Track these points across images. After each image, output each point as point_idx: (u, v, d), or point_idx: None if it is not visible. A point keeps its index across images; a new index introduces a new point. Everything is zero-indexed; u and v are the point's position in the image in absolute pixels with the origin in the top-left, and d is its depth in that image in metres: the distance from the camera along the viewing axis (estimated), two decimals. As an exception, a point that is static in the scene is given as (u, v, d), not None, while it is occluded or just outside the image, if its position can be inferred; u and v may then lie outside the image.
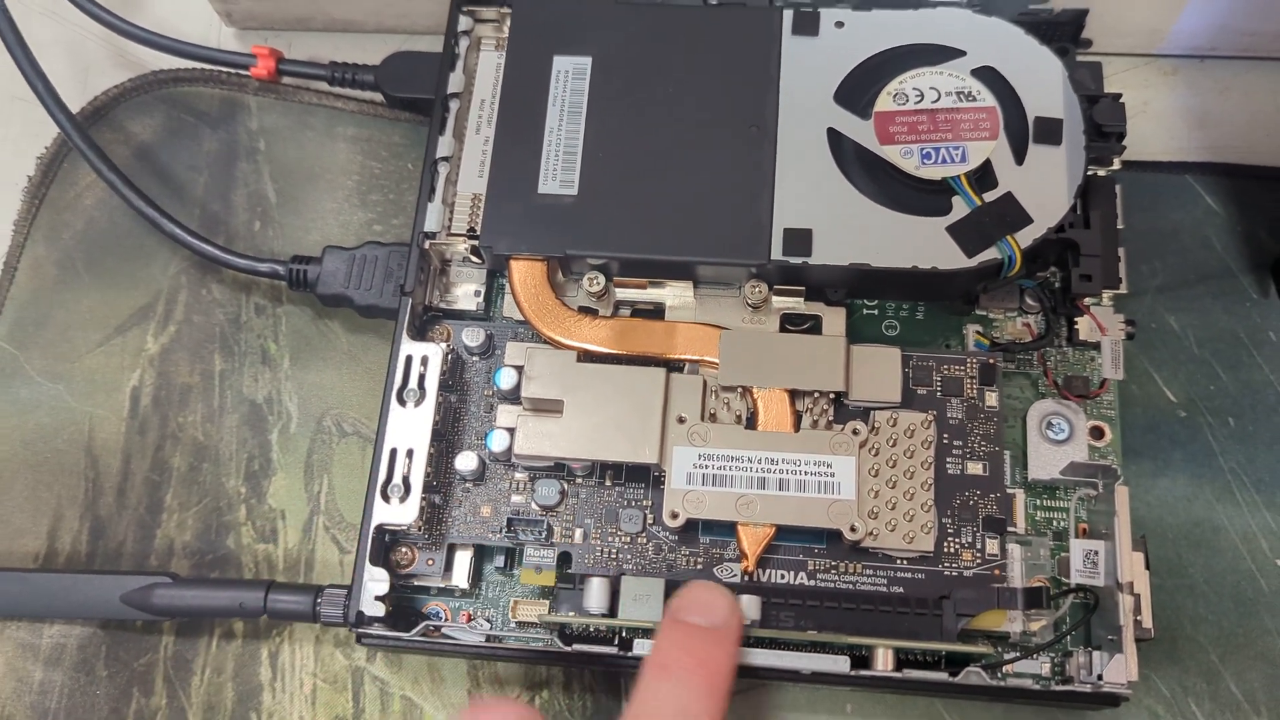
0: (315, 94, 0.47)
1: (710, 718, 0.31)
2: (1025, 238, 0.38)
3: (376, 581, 0.36)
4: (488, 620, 0.38)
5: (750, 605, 0.36)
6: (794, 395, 0.38)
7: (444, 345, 0.39)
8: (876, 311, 0.41)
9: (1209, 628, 0.38)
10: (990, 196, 0.39)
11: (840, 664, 0.35)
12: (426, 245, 0.40)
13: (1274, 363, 0.41)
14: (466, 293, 0.41)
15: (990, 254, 0.38)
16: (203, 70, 0.47)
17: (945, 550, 0.37)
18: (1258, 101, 0.45)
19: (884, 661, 0.35)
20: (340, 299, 0.42)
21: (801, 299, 0.40)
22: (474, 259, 0.41)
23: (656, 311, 0.40)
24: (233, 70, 0.47)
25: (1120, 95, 0.41)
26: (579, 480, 0.39)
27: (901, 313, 0.41)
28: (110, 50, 0.49)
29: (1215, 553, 0.39)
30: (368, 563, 0.36)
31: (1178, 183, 0.44)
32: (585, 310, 0.40)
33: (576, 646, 0.36)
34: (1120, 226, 0.41)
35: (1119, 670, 0.34)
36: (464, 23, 0.43)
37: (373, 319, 0.42)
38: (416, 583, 0.38)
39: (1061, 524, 0.38)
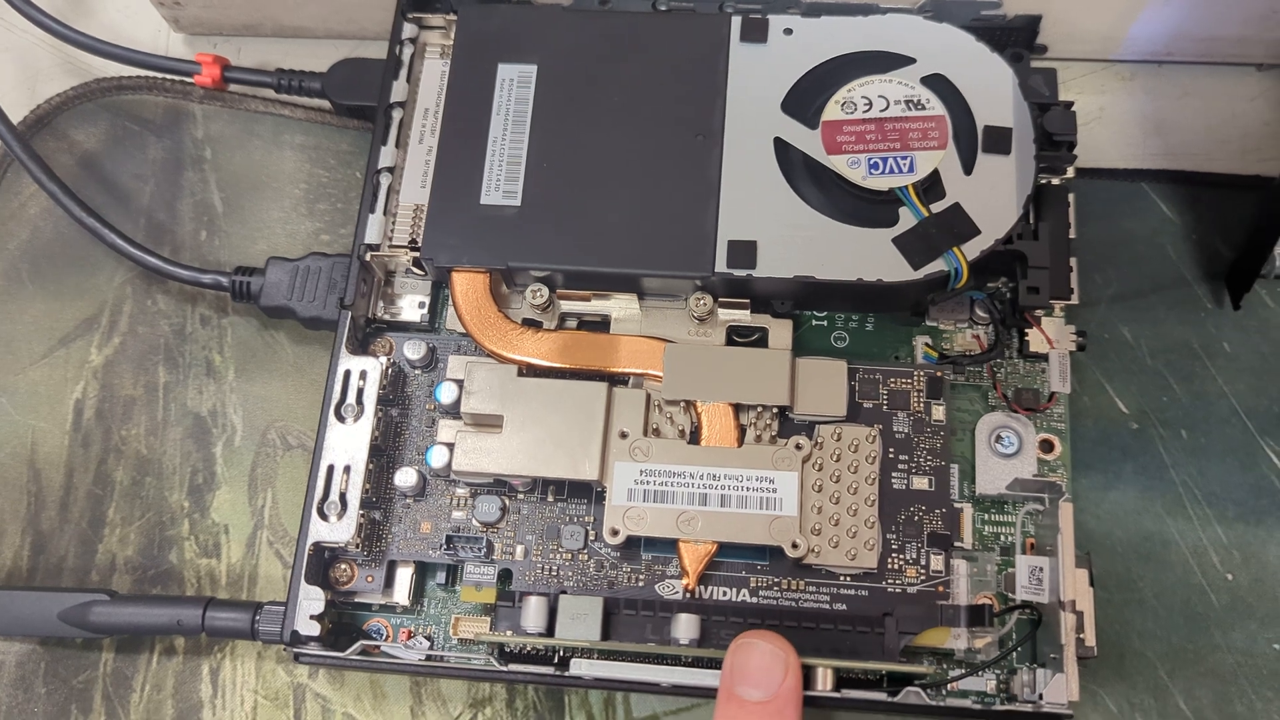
0: (262, 101, 0.46)
1: None
2: (972, 250, 0.37)
3: (311, 600, 0.36)
4: (428, 638, 0.38)
5: (690, 624, 0.36)
6: (738, 409, 0.38)
7: (385, 359, 0.39)
8: (826, 323, 0.41)
9: (1158, 643, 0.38)
10: (938, 207, 0.38)
11: (778, 684, 0.35)
12: (368, 257, 0.40)
13: (1228, 374, 0.41)
14: (411, 305, 0.41)
15: (937, 266, 0.37)
16: (147, 78, 0.46)
17: (889, 567, 0.37)
18: (1215, 107, 0.45)
19: (823, 681, 0.35)
20: (284, 310, 0.41)
21: (748, 311, 0.39)
22: (416, 271, 0.40)
23: (602, 324, 0.40)
24: (178, 78, 0.46)
25: (1072, 104, 0.40)
26: (520, 496, 0.38)
27: (850, 324, 0.41)
28: (59, 57, 0.48)
29: (1165, 567, 0.39)
30: (303, 581, 0.36)
31: (1133, 190, 0.44)
32: (529, 323, 0.40)
33: (513, 666, 0.36)
34: (1073, 236, 0.40)
35: (1059, 690, 0.34)
36: (409, 30, 0.43)
37: (317, 330, 0.41)
38: (357, 599, 0.38)
39: (1009, 539, 0.38)
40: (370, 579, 0.38)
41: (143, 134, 0.46)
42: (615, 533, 0.36)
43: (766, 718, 0.32)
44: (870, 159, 0.38)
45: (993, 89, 0.40)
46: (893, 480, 0.37)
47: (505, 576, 0.37)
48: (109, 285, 0.44)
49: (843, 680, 0.35)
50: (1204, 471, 0.40)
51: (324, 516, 0.37)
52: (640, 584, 0.37)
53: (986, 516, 0.38)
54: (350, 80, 0.44)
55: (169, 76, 0.46)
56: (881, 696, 0.35)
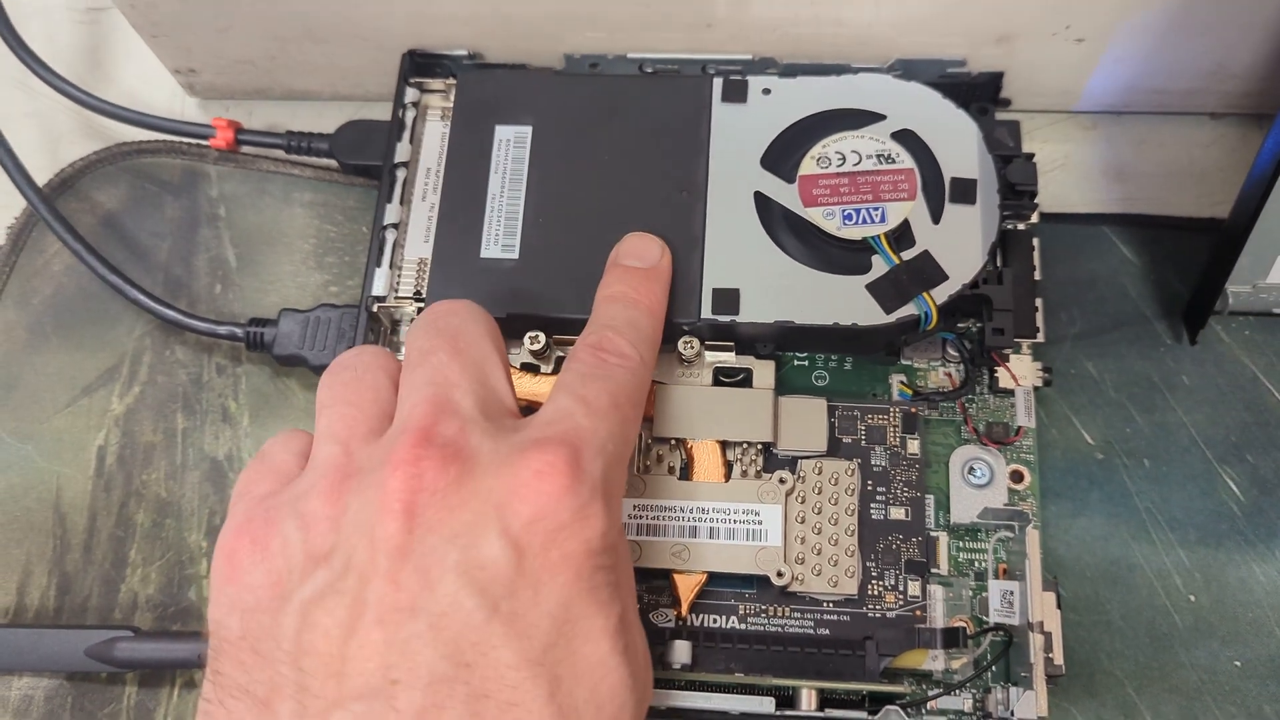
0: (273, 161, 0.49)
1: (652, 331, 0.37)
2: (941, 294, 0.40)
3: (326, 633, 0.38)
4: (435, 667, 0.40)
5: (681, 650, 0.38)
6: (725, 446, 0.40)
7: (392, 404, 0.41)
8: (807, 363, 0.43)
9: (1125, 662, 0.40)
10: (908, 255, 0.41)
11: (766, 705, 0.37)
12: (375, 308, 0.42)
13: (1187, 405, 0.43)
14: (416, 352, 0.43)
15: (908, 310, 0.40)
16: (165, 141, 0.49)
17: (869, 593, 0.39)
18: (1171, 154, 0.47)
19: (808, 702, 0.37)
20: (296, 359, 0.44)
21: (733, 353, 0.42)
22: (421, 321, 0.43)
23: (596, 367, 0.42)
24: (193, 141, 0.49)
25: (1033, 155, 0.43)
26: (521, 531, 0.40)
27: (830, 364, 0.43)
28: (79, 121, 0.51)
29: (1131, 590, 0.41)
30: (318, 615, 0.38)
31: (1095, 233, 0.46)
32: (527, 367, 0.42)
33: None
34: (1038, 277, 0.43)
35: (1029, 706, 0.36)
36: (411, 94, 0.46)
37: (328, 378, 0.44)
38: (368, 632, 0.40)
39: (983, 565, 0.40)
40: (380, 612, 0.40)
41: (160, 194, 0.49)
42: (611, 565, 0.38)
43: (644, 277, 0.39)
44: (844, 210, 0.41)
45: (958, 142, 0.42)
46: (871, 511, 0.40)
47: (508, 608, 0.39)
48: (129, 337, 0.47)
49: (826, 700, 0.37)
50: (1166, 498, 0.42)
51: (336, 553, 0.39)
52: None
53: (961, 544, 0.40)
54: (356, 141, 0.47)
55: (185, 140, 0.49)
56: (863, 715, 0.37)
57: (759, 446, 0.40)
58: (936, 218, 0.41)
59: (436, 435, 0.29)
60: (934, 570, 0.40)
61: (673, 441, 0.40)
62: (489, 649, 0.27)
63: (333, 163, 0.48)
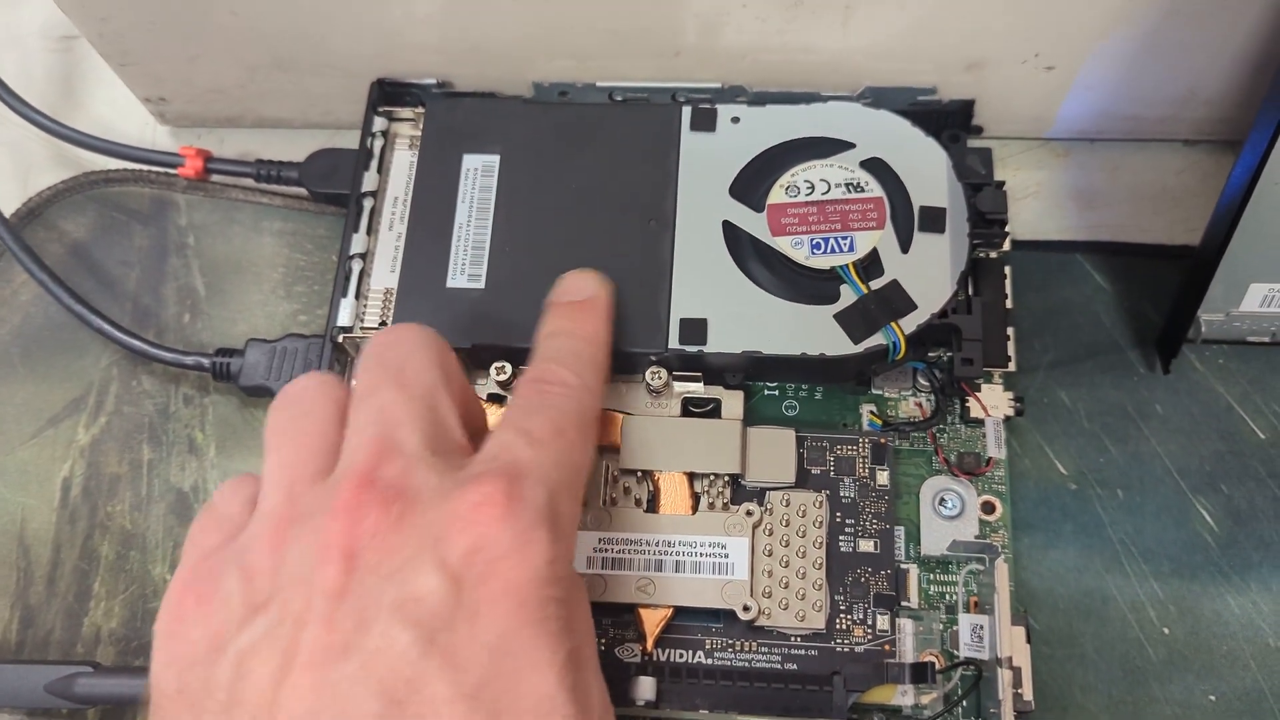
0: (242, 190, 0.49)
1: (593, 356, 0.37)
2: (909, 324, 0.40)
3: (285, 670, 0.37)
4: (399, 703, 0.39)
5: (646, 686, 0.37)
6: (692, 478, 0.40)
7: (357, 435, 0.41)
8: (777, 392, 0.43)
9: (1098, 696, 0.40)
10: (877, 284, 0.40)
11: (731, 742, 0.36)
12: (340, 339, 0.42)
13: (1161, 435, 0.43)
14: (383, 382, 0.43)
15: (876, 340, 0.40)
16: (133, 170, 0.49)
17: (837, 627, 0.38)
18: (1144, 181, 0.47)
19: (773, 739, 0.37)
20: (262, 390, 0.43)
21: (701, 384, 0.41)
22: (387, 351, 0.42)
23: (564, 397, 0.42)
24: (162, 169, 0.48)
25: (1003, 183, 0.43)
26: (486, 565, 0.40)
27: (801, 393, 0.43)
28: (50, 150, 0.51)
29: (1104, 622, 0.41)
30: (278, 651, 0.38)
31: (1068, 261, 0.46)
32: (493, 398, 0.42)
33: (477, 730, 0.37)
34: (1010, 306, 0.43)
35: (997, 744, 0.35)
36: (379, 123, 0.46)
37: (294, 408, 0.43)
38: (331, 667, 0.40)
39: (954, 598, 0.40)
40: (343, 647, 0.39)
41: (129, 223, 0.49)
42: (575, 599, 0.38)
43: (581, 309, 0.38)
44: (813, 240, 0.41)
45: (928, 171, 0.42)
46: (840, 543, 0.39)
47: (472, 643, 0.39)
48: (96, 367, 0.47)
49: (792, 738, 0.37)
50: (1140, 529, 0.42)
51: (298, 588, 0.38)
52: (602, 648, 0.39)
53: (932, 576, 0.40)
54: (326, 170, 0.46)
55: (154, 169, 0.49)
56: (828, 752, 0.36)
57: (726, 478, 0.40)
58: (906, 247, 0.41)
59: (379, 478, 0.29)
60: (904, 603, 0.39)
61: (639, 473, 0.40)
62: (422, 685, 0.27)
63: (303, 191, 0.47)
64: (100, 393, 0.46)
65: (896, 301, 0.40)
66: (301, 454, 0.31)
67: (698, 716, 0.37)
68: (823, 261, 0.40)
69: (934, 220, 0.41)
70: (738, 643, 0.38)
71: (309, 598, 0.28)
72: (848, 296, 0.40)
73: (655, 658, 0.38)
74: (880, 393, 0.43)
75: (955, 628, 0.39)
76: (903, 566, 0.40)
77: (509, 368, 0.41)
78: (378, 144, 0.45)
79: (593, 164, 0.43)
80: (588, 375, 0.36)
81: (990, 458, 0.41)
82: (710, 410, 0.41)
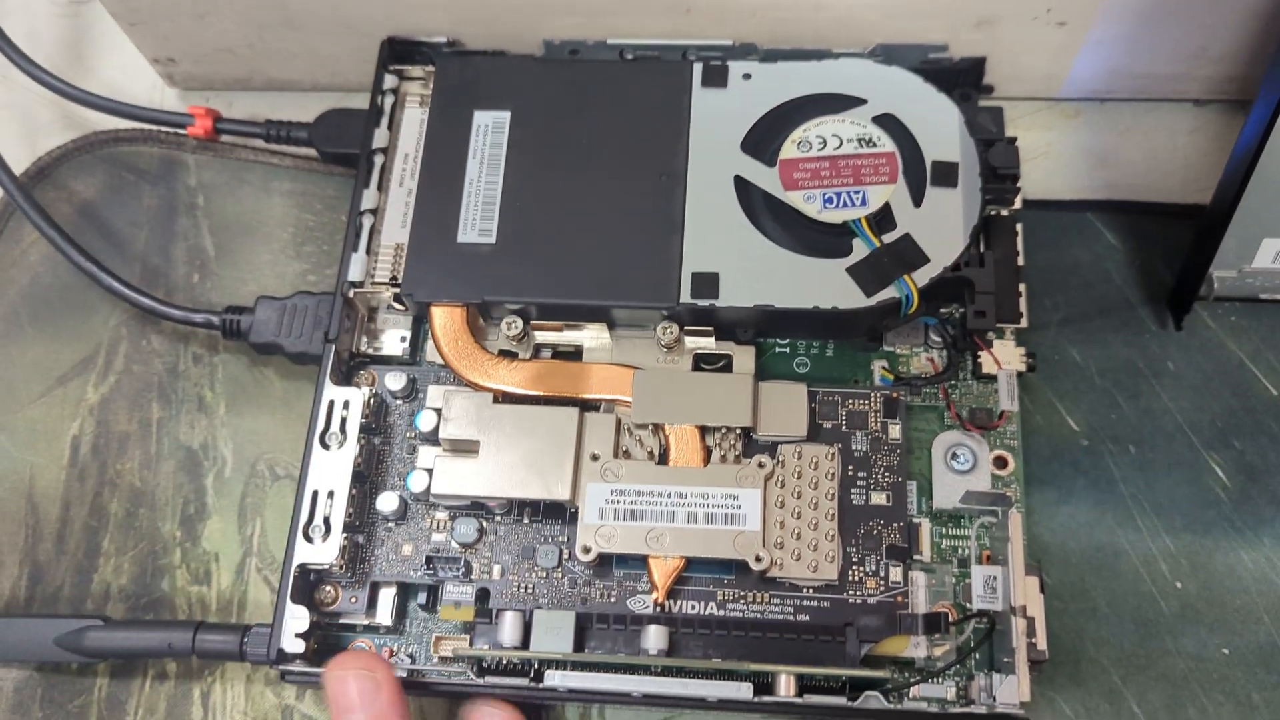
0: (252, 150, 0.49)
1: None
2: (922, 277, 0.40)
3: (297, 619, 0.37)
4: (410, 656, 0.39)
5: (659, 635, 0.37)
6: (704, 431, 0.40)
7: (368, 389, 0.41)
8: (788, 349, 0.43)
9: (1111, 650, 0.40)
10: (889, 238, 0.40)
11: (744, 690, 0.36)
12: (351, 294, 0.42)
13: (1172, 391, 0.43)
14: (393, 339, 0.43)
15: (889, 293, 0.39)
16: (142, 130, 0.49)
17: (850, 579, 0.38)
18: (1155, 141, 0.47)
19: (786, 687, 0.36)
20: (272, 347, 0.43)
21: (712, 339, 0.41)
22: (397, 306, 0.42)
23: (575, 353, 0.42)
24: (171, 129, 0.48)
25: (1015, 139, 0.42)
26: (497, 518, 0.40)
27: (812, 350, 0.43)
28: (59, 112, 0.51)
29: (1117, 576, 0.41)
30: (289, 601, 0.38)
31: (1079, 220, 0.46)
32: (505, 353, 0.42)
33: (489, 679, 0.37)
34: (1021, 263, 0.43)
35: (1011, 691, 0.35)
36: (390, 81, 0.45)
37: (304, 365, 0.43)
38: (342, 620, 0.39)
39: (966, 551, 0.39)
40: (354, 600, 0.39)
41: (138, 183, 0.49)
42: (587, 550, 0.38)
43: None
44: (825, 194, 0.41)
45: (940, 127, 0.42)
46: (852, 496, 0.39)
47: (483, 595, 0.39)
48: (105, 326, 0.47)
49: (805, 686, 0.37)
50: (1152, 485, 0.42)
51: (309, 539, 0.38)
52: (612, 599, 0.39)
53: (944, 530, 0.40)
54: (335, 130, 0.46)
55: (163, 129, 0.49)
56: (841, 701, 0.36)
57: (738, 432, 0.40)
58: (918, 201, 0.41)
59: None
60: (916, 556, 0.39)
61: (651, 426, 0.40)
62: None
63: (312, 152, 0.47)
64: (109, 352, 0.46)
65: (909, 254, 0.40)
66: None
67: (709, 666, 0.37)
68: (835, 215, 0.40)
69: (946, 175, 0.41)
70: (750, 594, 0.38)
71: None
72: (860, 250, 0.40)
73: (667, 608, 0.38)
74: (892, 349, 0.42)
75: (968, 580, 0.38)
76: (915, 520, 0.39)
77: (519, 323, 0.41)
78: (388, 101, 0.45)
79: (603, 121, 0.43)
80: None
81: (1003, 411, 0.40)
82: (722, 367, 0.41)
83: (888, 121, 0.42)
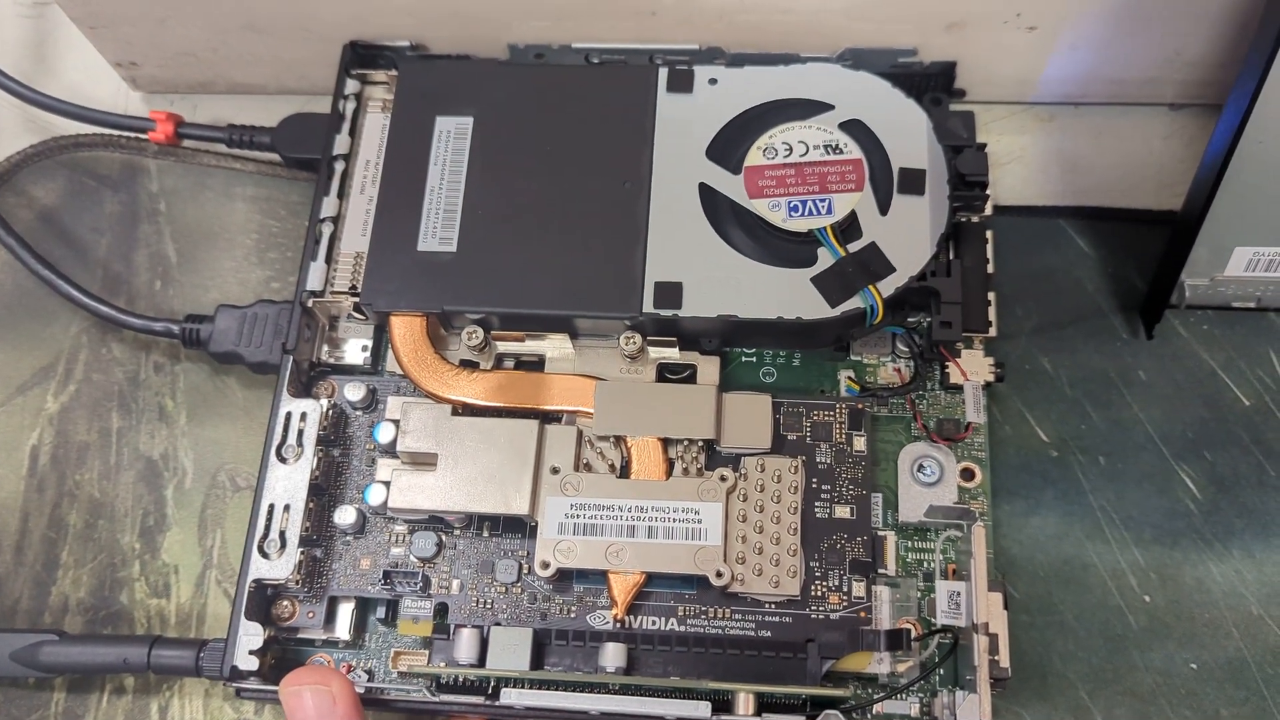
0: (214, 156, 0.48)
1: None
2: (887, 287, 0.39)
3: (251, 635, 0.37)
4: (368, 672, 0.39)
5: (616, 652, 0.37)
6: (666, 444, 0.39)
7: (327, 400, 0.40)
8: (755, 358, 0.42)
9: (1078, 664, 0.39)
10: (855, 247, 0.40)
11: (702, 710, 0.35)
12: (310, 303, 0.41)
13: (1143, 401, 0.42)
14: (355, 348, 0.42)
15: (853, 303, 0.39)
16: (103, 135, 0.48)
17: (812, 594, 0.38)
18: (1128, 146, 0.46)
19: (745, 706, 0.36)
20: (232, 356, 0.43)
21: (676, 349, 0.41)
22: (357, 316, 0.42)
23: (538, 364, 0.41)
24: (133, 135, 0.48)
25: (984, 145, 0.42)
26: (456, 532, 0.39)
27: (778, 360, 0.42)
28: (21, 116, 0.50)
29: (1085, 589, 0.40)
30: (243, 617, 0.37)
31: (1051, 226, 0.45)
32: (466, 364, 0.41)
33: (444, 696, 0.37)
34: (991, 271, 0.42)
35: (972, 710, 0.35)
36: (352, 85, 0.45)
37: (265, 375, 0.43)
38: (300, 635, 0.39)
39: (932, 565, 0.39)
40: (312, 615, 0.39)
41: (99, 189, 0.48)
42: (546, 565, 0.37)
43: None
44: (790, 202, 0.40)
45: (908, 133, 0.41)
46: (815, 509, 0.39)
47: (442, 610, 0.38)
48: (65, 335, 0.46)
49: (765, 705, 0.36)
50: (1121, 496, 0.41)
51: (264, 554, 0.38)
52: (572, 615, 0.38)
53: (910, 544, 0.39)
54: (298, 134, 0.46)
55: (124, 134, 0.48)
56: None
57: (701, 444, 0.39)
58: (885, 209, 0.40)
59: None
60: (881, 570, 0.38)
61: (613, 439, 0.39)
62: None
63: (275, 157, 0.47)
64: (69, 360, 0.46)
65: (874, 264, 0.39)
66: None
67: (668, 684, 0.37)
68: (800, 224, 0.40)
69: (913, 182, 0.41)
70: (711, 609, 0.38)
71: None
72: (825, 259, 0.40)
73: (627, 625, 0.38)
74: (859, 358, 0.42)
75: (933, 595, 0.38)
76: (880, 533, 0.39)
77: (480, 332, 0.41)
78: (350, 106, 0.44)
79: (568, 126, 0.42)
80: None
81: (970, 423, 0.40)
82: (686, 377, 0.41)
83: (855, 128, 0.42)
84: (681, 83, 0.43)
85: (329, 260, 0.42)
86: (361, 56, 0.46)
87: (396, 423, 0.39)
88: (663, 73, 0.43)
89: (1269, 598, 0.39)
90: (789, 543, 0.38)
